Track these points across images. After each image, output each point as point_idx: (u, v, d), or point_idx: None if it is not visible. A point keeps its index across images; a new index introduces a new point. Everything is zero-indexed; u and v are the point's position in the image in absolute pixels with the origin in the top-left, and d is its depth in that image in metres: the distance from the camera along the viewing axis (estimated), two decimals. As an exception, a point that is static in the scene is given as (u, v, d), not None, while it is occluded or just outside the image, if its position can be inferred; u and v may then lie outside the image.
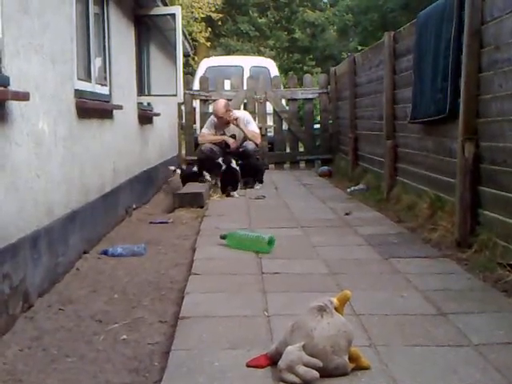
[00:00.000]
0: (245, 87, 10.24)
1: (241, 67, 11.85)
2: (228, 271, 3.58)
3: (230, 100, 9.80)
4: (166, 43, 8.43)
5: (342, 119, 9.70)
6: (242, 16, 27.79)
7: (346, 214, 5.56)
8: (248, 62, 12.36)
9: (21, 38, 3.04)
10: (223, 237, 4.23)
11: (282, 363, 2.10)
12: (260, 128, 9.14)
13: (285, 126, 10.43)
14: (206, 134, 7.91)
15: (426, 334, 2.51)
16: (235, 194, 6.99)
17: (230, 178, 7.15)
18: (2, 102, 2.80)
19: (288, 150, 10.62)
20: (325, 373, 2.09)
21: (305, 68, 25.47)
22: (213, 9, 22.51)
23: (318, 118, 11.56)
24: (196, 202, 6.09)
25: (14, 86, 2.87)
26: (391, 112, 6.33)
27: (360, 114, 8.20)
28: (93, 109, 4.53)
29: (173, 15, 6.95)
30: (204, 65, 12.19)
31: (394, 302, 2.95)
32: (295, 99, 10.44)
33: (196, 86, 10.52)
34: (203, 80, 10.24)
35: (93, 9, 4.87)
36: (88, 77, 4.70)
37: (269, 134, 10.35)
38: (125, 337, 2.62)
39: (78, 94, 4.15)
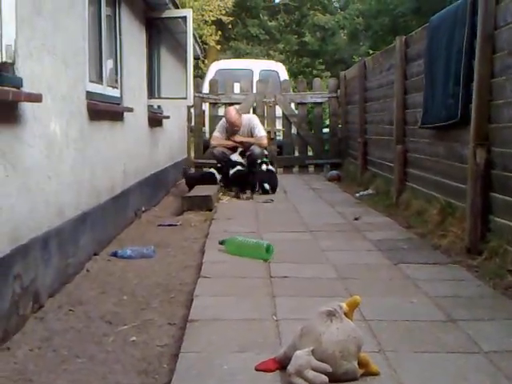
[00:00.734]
0: (254, 90, 10.26)
1: (250, 70, 11.88)
2: (237, 274, 3.59)
3: (239, 103, 9.86)
4: (176, 46, 8.47)
5: (351, 124, 9.69)
6: (252, 19, 27.83)
7: (355, 218, 5.56)
8: (257, 66, 12.39)
9: (34, 40, 3.07)
10: (221, 242, 4.21)
11: (290, 367, 2.11)
12: (269, 132, 9.17)
13: (294, 130, 10.43)
14: (219, 137, 7.95)
15: (436, 341, 2.51)
16: (244, 196, 7.03)
17: (239, 180, 7.17)
18: (14, 104, 2.82)
19: (297, 154, 10.62)
20: (334, 378, 2.09)
21: (314, 72, 25.48)
22: (223, 12, 22.56)
23: (327, 122, 11.56)
24: (205, 204, 6.10)
25: (26, 88, 2.90)
26: (401, 117, 6.32)
27: (370, 118, 8.20)
28: (104, 111, 4.56)
29: (184, 18, 6.98)
30: (214, 68, 12.23)
31: (403, 308, 2.95)
32: (304, 103, 10.45)
33: (205, 88, 10.56)
34: (213, 83, 10.27)
35: (105, 11, 4.91)
36: (99, 79, 4.73)
37: (278, 138, 10.36)
38: (134, 338, 2.64)
39: (90, 95, 4.18)
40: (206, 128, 10.38)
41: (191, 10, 7.56)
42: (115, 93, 5.19)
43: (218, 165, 7.78)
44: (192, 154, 10.36)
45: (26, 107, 2.95)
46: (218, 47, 23.03)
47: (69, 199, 3.63)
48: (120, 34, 5.41)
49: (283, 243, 4.49)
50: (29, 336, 2.66)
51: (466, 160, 4.36)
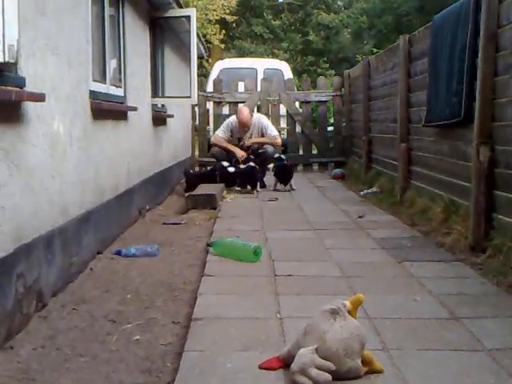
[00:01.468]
0: (258, 89, 10.25)
1: (254, 69, 11.87)
2: (241, 273, 3.59)
3: (244, 102, 9.85)
4: (180, 45, 8.47)
5: (355, 122, 9.68)
6: (257, 18, 27.84)
7: (360, 216, 5.55)
8: (262, 65, 12.38)
9: (37, 39, 3.07)
10: (209, 245, 4.17)
11: (294, 366, 2.10)
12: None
13: (298, 129, 10.42)
14: (221, 137, 7.94)
15: (440, 339, 2.50)
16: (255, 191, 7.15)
17: (250, 176, 7.30)
18: (17, 103, 2.82)
19: (301, 153, 10.61)
20: (337, 376, 2.08)
21: (319, 70, 25.48)
22: (227, 11, 22.55)
23: (332, 121, 11.54)
24: (209, 203, 6.10)
25: (29, 87, 2.89)
26: (405, 115, 6.30)
27: (374, 116, 8.18)
28: (107, 110, 4.56)
29: (188, 17, 6.97)
30: (218, 67, 12.23)
31: (407, 306, 2.94)
32: (309, 102, 10.43)
33: (210, 87, 10.55)
34: (217, 82, 10.27)
35: (108, 10, 4.90)
36: (103, 78, 4.73)
37: (282, 136, 10.33)
38: (138, 337, 2.63)
39: (93, 95, 4.18)
40: (211, 127, 10.39)
41: (195, 9, 7.57)
42: (119, 92, 5.19)
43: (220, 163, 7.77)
44: (196, 153, 10.35)
45: (29, 107, 2.95)
46: (222, 46, 23.05)
47: (72, 198, 3.63)
48: (123, 34, 5.41)
49: (287, 241, 4.50)
50: (32, 335, 2.66)
51: (469, 158, 4.35)
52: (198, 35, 8.30)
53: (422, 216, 5.29)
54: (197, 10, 8.23)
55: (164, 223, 5.43)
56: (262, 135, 8.06)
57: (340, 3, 30.42)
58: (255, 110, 9.92)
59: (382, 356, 2.29)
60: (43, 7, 3.18)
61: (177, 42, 8.38)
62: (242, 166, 7.48)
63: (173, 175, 7.87)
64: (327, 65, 26.94)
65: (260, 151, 7.89)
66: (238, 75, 10.69)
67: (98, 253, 4.13)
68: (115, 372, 2.29)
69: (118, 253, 4.16)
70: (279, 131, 10.17)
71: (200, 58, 10.96)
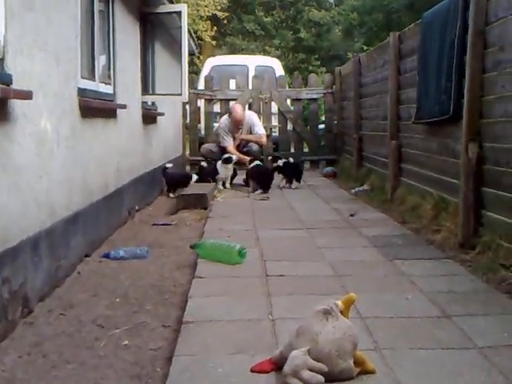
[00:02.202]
0: (250, 87, 10.22)
1: (246, 66, 11.85)
2: (232, 274, 3.57)
3: (235, 100, 9.82)
4: (171, 41, 8.43)
5: (346, 119, 9.67)
6: (248, 15, 27.78)
7: (351, 215, 5.54)
8: (253, 62, 12.36)
9: (24, 36, 3.01)
10: (193, 246, 4.13)
11: (286, 368, 2.08)
12: (265, 127, 9.13)
13: (289, 126, 10.40)
14: (230, 146, 7.95)
15: (431, 337, 2.49)
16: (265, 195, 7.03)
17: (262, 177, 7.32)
18: (4, 101, 2.77)
19: (292, 150, 10.58)
20: (330, 377, 2.07)
21: (310, 68, 25.47)
22: (218, 7, 22.50)
23: (323, 118, 11.53)
24: (200, 203, 6.08)
25: (16, 85, 2.84)
26: (396, 112, 6.30)
27: (365, 114, 8.17)
28: (96, 108, 4.52)
29: (179, 13, 6.92)
30: (209, 64, 12.20)
31: (398, 305, 2.94)
32: (300, 99, 10.41)
33: (201, 85, 10.52)
34: (208, 79, 10.23)
35: (98, 6, 4.84)
36: (92, 75, 4.68)
37: (273, 134, 10.34)
38: (126, 342, 2.60)
39: (82, 92, 4.13)
40: (202, 125, 10.36)
41: (186, 4, 7.51)
42: (108, 89, 5.15)
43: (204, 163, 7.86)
44: (187, 152, 10.31)
45: (16, 104, 2.89)
46: (214, 43, 22.97)
47: (60, 199, 3.58)
48: (113, 30, 5.35)
49: (279, 241, 4.49)
50: (18, 342, 2.61)
51: (458, 155, 4.36)
52: (189, 31, 8.26)
53: (412, 213, 5.29)
54: (188, 6, 8.15)
55: (154, 224, 5.39)
56: (250, 132, 8.07)
57: (331, 0, 30.41)
58: (246, 107, 9.90)
59: (375, 356, 2.28)
60: (31, 2, 3.12)
61: (168, 38, 8.34)
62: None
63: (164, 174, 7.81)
64: (318, 62, 26.94)
65: (244, 149, 7.91)
66: (230, 72, 10.66)
67: (86, 256, 4.08)
68: (103, 379, 2.25)
69: (107, 255, 4.12)
70: (270, 129, 10.21)
71: (191, 54, 10.92)
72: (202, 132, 10.30)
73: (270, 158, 8.50)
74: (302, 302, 2.92)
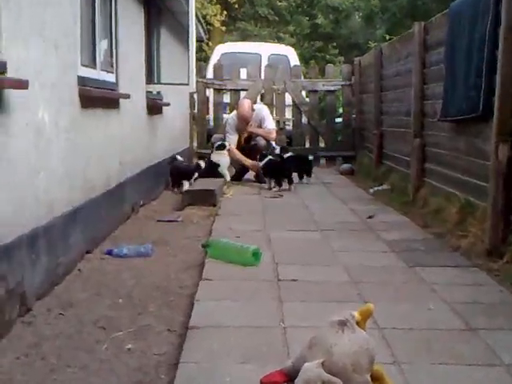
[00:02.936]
0: (262, 76, 10.23)
1: (258, 55, 11.85)
2: (242, 277, 3.59)
3: (246, 90, 9.83)
4: (178, 27, 8.42)
5: (366, 114, 9.66)
6: (261, -2, 27.70)
7: (369, 217, 5.55)
8: (266, 50, 12.36)
9: (20, 20, 3.01)
10: (204, 245, 4.16)
11: (299, 381, 2.08)
12: (278, 121, 9.15)
13: (304, 120, 10.40)
14: (234, 143, 7.97)
15: (454, 352, 2.49)
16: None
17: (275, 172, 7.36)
18: (-3, 90, 2.77)
19: (307, 146, 10.59)
20: (345, 393, 2.07)
21: (327, 57, 25.39)
22: (229, -10, 22.48)
23: (341, 112, 11.52)
24: (208, 199, 6.10)
25: (11, 73, 2.84)
26: (420, 108, 6.29)
27: (386, 109, 8.16)
28: (98, 98, 4.53)
29: (186, -4, 6.93)
30: (219, 51, 12.21)
31: (419, 315, 2.94)
32: (316, 91, 10.40)
33: (210, 73, 10.53)
34: (217, 67, 10.24)
35: (99, -11, 4.86)
36: (93, 63, 4.69)
37: (287, 128, 10.34)
38: (130, 346, 2.62)
39: (82, 81, 4.14)
40: (210, 116, 10.40)
41: (194, -12, 7.51)
42: (110, 78, 5.17)
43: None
44: (194, 144, 10.34)
45: (11, 94, 2.89)
46: (224, 28, 22.94)
47: (59, 194, 3.61)
48: (116, 14, 5.36)
49: (292, 243, 4.51)
50: (15, 342, 2.64)
51: (487, 156, 4.34)
52: (196, 16, 8.26)
53: (435, 217, 5.28)
54: (196, -10, 8.17)
55: (159, 220, 5.42)
56: (260, 126, 8.07)
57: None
58: (258, 99, 9.91)
59: (393, 370, 2.29)
60: (28, -15, 3.12)
61: (174, 23, 8.34)
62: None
63: (167, 167, 7.83)
64: (336, 51, 26.84)
65: (252, 143, 7.92)
66: (241, 61, 10.67)
67: (88, 252, 4.12)
68: (105, 384, 2.29)
69: (109, 252, 4.16)
70: (284, 122, 10.21)
71: (199, 41, 10.93)
72: (211, 124, 10.32)
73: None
74: (316, 310, 2.94)
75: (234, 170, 8.16)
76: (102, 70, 4.91)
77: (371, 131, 8.73)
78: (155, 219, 5.49)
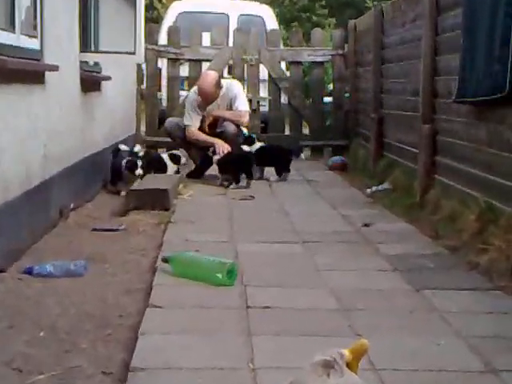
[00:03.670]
0: (230, 43, 10.24)
1: (225, 15, 11.89)
2: (201, 303, 3.58)
3: (210, 61, 9.81)
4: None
5: (362, 92, 9.72)
6: None
7: (365, 225, 5.57)
8: (236, 9, 12.39)
9: None
10: (166, 260, 4.17)
11: None
12: (249, 101, 9.14)
13: (284, 99, 10.43)
14: (193, 128, 7.94)
15: (471, 401, 2.52)
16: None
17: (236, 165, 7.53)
18: None
19: (287, 133, 10.62)
20: None
21: (314, 19, 25.50)
22: None
23: (331, 88, 11.57)
24: (159, 202, 6.09)
25: None
26: (430, 86, 6.33)
27: (388, 86, 8.22)
28: (16, 70, 4.48)
29: None
30: (175, 10, 12.24)
31: (426, 353, 2.96)
32: (299, 62, 10.45)
33: (163, 39, 10.54)
34: (173, 31, 10.24)
35: None
36: (10, 25, 4.64)
37: (262, 110, 10.35)
38: (53, 394, 2.60)
39: (-5, 48, 4.11)
40: (163, 94, 10.39)
41: None
42: (33, 44, 5.11)
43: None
44: (143, 130, 10.30)
45: None
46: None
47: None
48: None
49: (265, 258, 4.52)
50: None
51: (516, 148, 4.39)
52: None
53: (449, 225, 5.33)
54: None
55: (94, 229, 5.40)
56: (230, 108, 8.04)
57: None
58: (225, 72, 9.90)
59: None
60: None
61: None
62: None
63: (108, 160, 7.79)
64: (326, 10, 26.98)
65: (218, 130, 7.92)
66: (203, 23, 10.69)
67: (1, 271, 4.08)
68: None
69: (29, 271, 4.11)
70: (258, 102, 10.21)
71: (150, -3, 10.91)
72: (164, 103, 10.29)
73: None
74: (294, 347, 2.94)
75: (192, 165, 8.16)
76: (23, 34, 4.86)
77: (369, 114, 8.77)
78: (90, 227, 5.45)
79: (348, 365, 2.20)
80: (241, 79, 9.64)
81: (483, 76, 5.00)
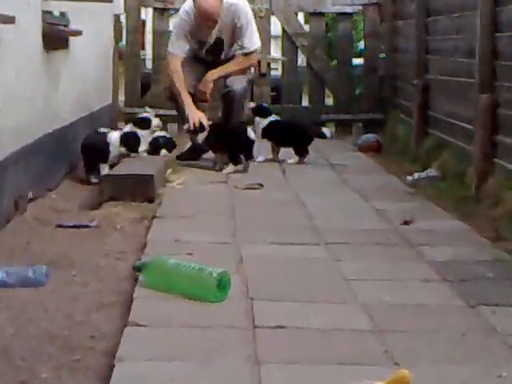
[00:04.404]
0: (233, -11, 10.20)
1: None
2: (194, 321, 3.58)
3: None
4: None
5: (402, 52, 9.71)
6: None
7: (405, 222, 5.57)
8: None
9: None
10: (137, 268, 4.15)
11: None
12: (258, 62, 9.12)
13: (302, 61, 10.41)
14: (179, 58, 7.86)
15: None
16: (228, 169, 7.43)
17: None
18: None
19: (306, 104, 10.60)
20: None
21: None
22: None
23: (361, 47, 11.56)
24: (141, 191, 6.12)
25: None
26: (490, 44, 6.31)
27: (435, 45, 8.22)
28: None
29: None
30: None
31: (485, 387, 2.95)
32: (321, 14, 10.42)
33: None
34: (160, -27, 10.22)
35: None
36: None
37: (273, 74, 10.34)
38: None
39: None
40: (148, 52, 10.38)
41: None
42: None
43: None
44: (121, 99, 10.30)
45: None
46: None
47: None
48: None
49: (277, 265, 4.51)
50: None
51: None
52: None
53: (512, 223, 5.33)
54: None
55: (59, 225, 5.42)
56: (234, 37, 7.91)
57: None
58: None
59: None
60: None
61: None
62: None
63: (78, 138, 7.80)
64: None
65: (222, 91, 7.87)
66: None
67: None
68: None
69: (-25, 279, 4.12)
70: (268, 64, 10.19)
71: None
72: (148, 65, 10.29)
73: (251, 105, 8.56)
74: (315, 378, 2.93)
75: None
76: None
77: (410, 81, 8.76)
78: (53, 223, 5.47)
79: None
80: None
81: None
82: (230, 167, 7.50)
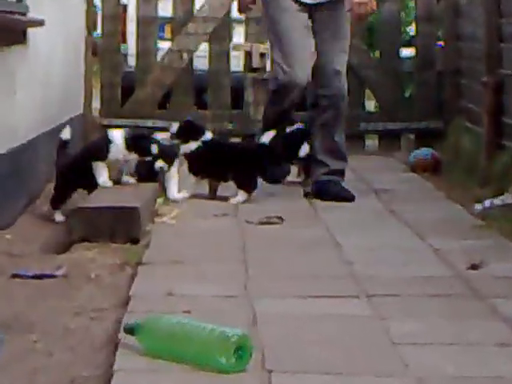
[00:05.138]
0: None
1: None
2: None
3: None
4: None
5: (466, 41, 9.73)
6: None
7: (473, 266, 5.56)
8: None
9: None
10: (129, 330, 4.14)
11: None
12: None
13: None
14: None
15: None
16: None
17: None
18: None
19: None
20: None
21: None
22: None
23: (412, 33, 11.60)
24: (123, 228, 6.17)
25: None
26: None
27: (510, 29, 8.17)
28: None
29: None
30: None
31: None
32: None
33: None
34: None
35: None
36: None
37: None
38: None
39: None
40: (130, 46, 10.42)
41: None
42: None
43: None
44: (95, 107, 10.35)
45: None
46: None
47: None
48: None
49: (301, 325, 4.50)
50: None
51: None
52: None
53: None
54: None
55: (15, 275, 5.44)
56: None
57: None
58: (234, 8, 9.97)
59: None
60: None
61: None
62: None
63: (38, 159, 7.84)
64: None
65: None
66: None
67: None
68: None
69: None
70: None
71: None
72: (131, 62, 10.34)
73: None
74: None
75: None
76: None
77: (478, 78, 8.76)
78: (8, 273, 5.50)
79: None
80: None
81: None
82: (241, 195, 7.48)
